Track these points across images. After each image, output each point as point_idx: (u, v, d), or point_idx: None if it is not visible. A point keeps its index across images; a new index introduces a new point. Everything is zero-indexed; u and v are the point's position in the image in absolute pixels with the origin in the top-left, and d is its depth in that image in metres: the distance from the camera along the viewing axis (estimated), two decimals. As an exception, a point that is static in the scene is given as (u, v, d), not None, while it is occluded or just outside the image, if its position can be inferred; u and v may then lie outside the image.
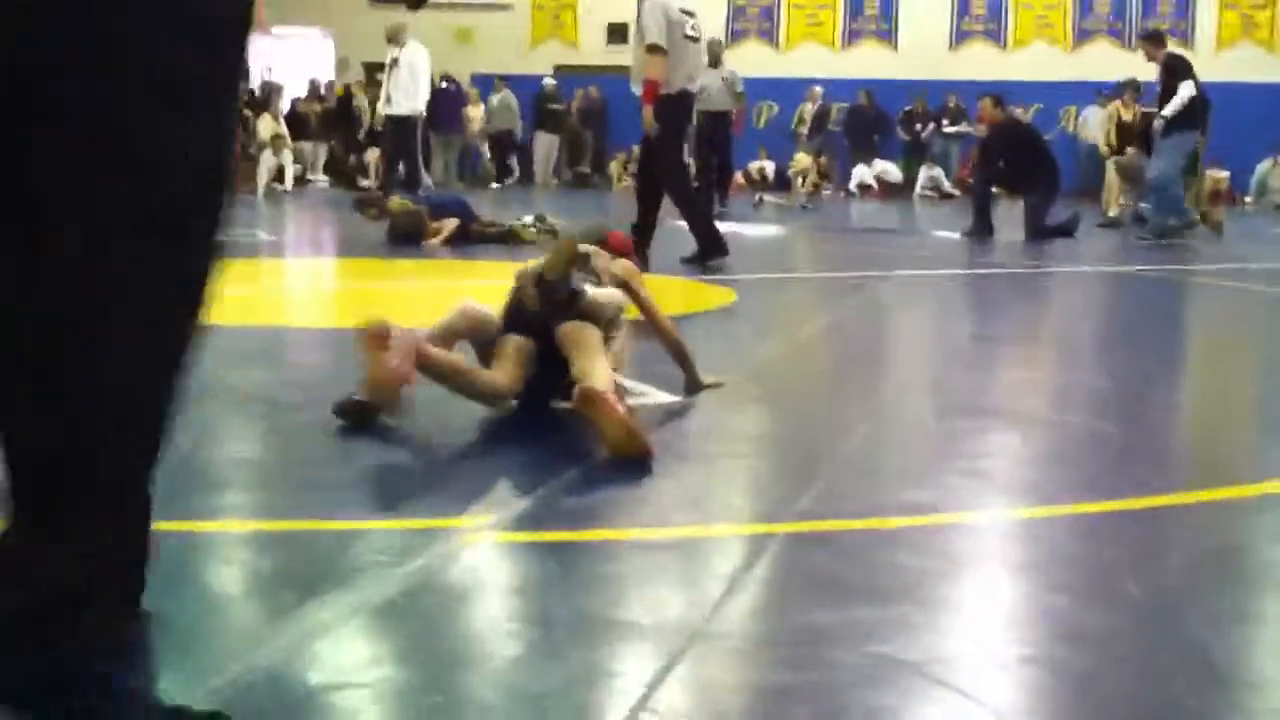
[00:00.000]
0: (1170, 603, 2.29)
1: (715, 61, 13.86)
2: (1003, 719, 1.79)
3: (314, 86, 21.20)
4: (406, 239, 9.59)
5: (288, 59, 22.63)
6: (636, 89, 8.21)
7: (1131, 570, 2.42)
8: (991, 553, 2.62)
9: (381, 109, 13.99)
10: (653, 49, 8.00)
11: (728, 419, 3.77)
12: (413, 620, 2.11)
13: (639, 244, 7.90)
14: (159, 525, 2.54)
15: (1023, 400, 4.26)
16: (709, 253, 8.16)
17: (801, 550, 2.52)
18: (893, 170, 21.00)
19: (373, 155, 18.35)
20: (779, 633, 2.06)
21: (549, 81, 21.76)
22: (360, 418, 3.38)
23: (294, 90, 20.98)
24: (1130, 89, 14.26)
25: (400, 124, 13.82)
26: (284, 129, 18.43)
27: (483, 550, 2.48)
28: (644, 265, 7.92)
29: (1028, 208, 11.74)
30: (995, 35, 22.32)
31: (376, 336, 3.32)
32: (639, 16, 8.15)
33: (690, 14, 8.35)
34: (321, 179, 19.86)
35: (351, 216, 10.76)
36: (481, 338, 3.70)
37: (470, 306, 3.72)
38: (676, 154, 8.57)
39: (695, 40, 8.41)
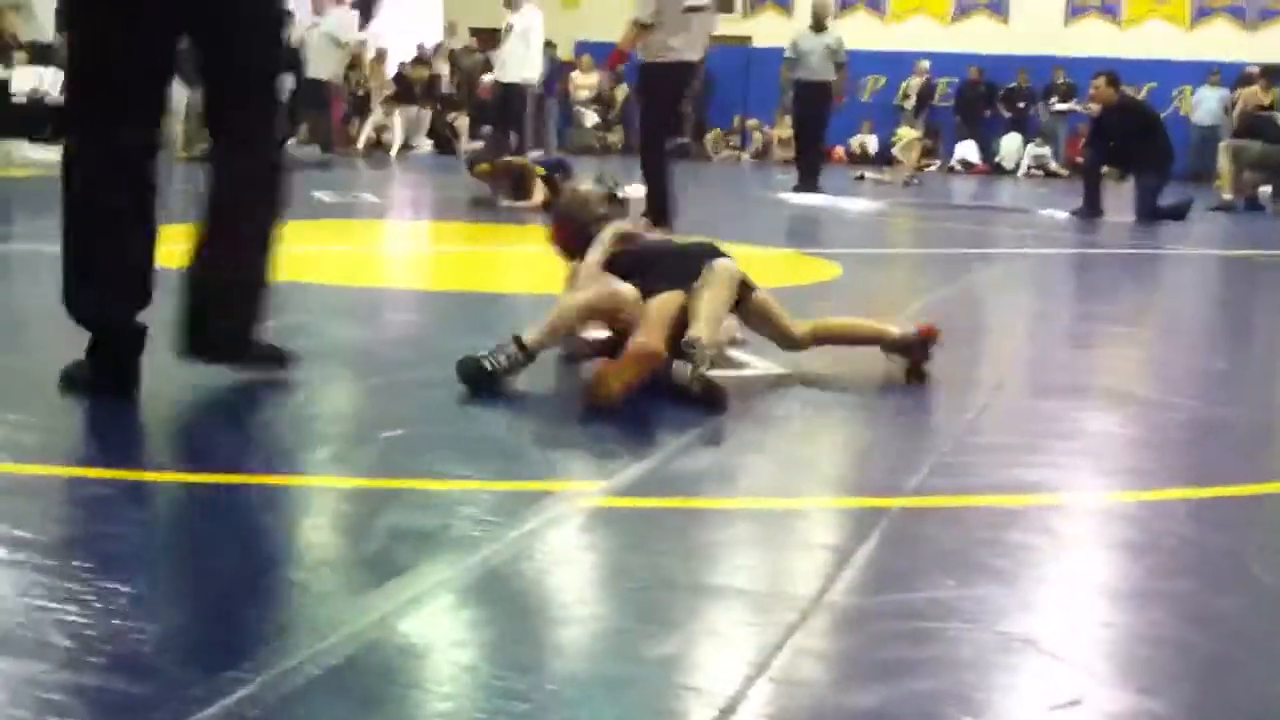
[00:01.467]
0: (1302, 591, 2.23)
1: (819, 26, 13.17)
2: (1128, 699, 1.74)
3: (421, 51, 21.29)
4: (512, 190, 9.62)
5: (395, 21, 22.73)
6: (641, 56, 8.50)
7: (1258, 556, 2.35)
8: (1112, 534, 2.56)
9: (494, 75, 14.01)
10: (635, 22, 8.29)
11: (834, 393, 3.72)
12: (525, 583, 2.11)
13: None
14: (272, 479, 2.58)
15: (1138, 382, 4.17)
16: (657, 219, 8.26)
17: (917, 525, 2.48)
18: (1017, 149, 20.64)
19: (461, 122, 18.39)
20: (897, 606, 2.02)
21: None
22: (482, 386, 3.37)
23: (400, 54, 21.10)
24: (1270, 73, 14.01)
25: (511, 91, 13.81)
26: (388, 89, 18.62)
27: (595, 514, 2.47)
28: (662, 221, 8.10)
29: (1139, 189, 11.48)
30: (1111, 11, 21.85)
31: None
32: None
33: None
34: (425, 144, 19.99)
35: (448, 180, 10.81)
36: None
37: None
38: (661, 120, 8.68)
39: (699, 9, 8.48)
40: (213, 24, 3.18)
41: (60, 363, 3.18)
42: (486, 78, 14.28)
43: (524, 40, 13.57)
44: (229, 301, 3.26)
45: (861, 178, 16.72)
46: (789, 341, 3.88)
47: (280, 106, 3.44)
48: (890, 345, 3.88)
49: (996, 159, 20.83)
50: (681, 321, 3.50)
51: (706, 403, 3.26)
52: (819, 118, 13.18)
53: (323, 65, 15.19)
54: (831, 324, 4.02)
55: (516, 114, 13.97)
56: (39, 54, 14.17)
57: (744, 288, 3.73)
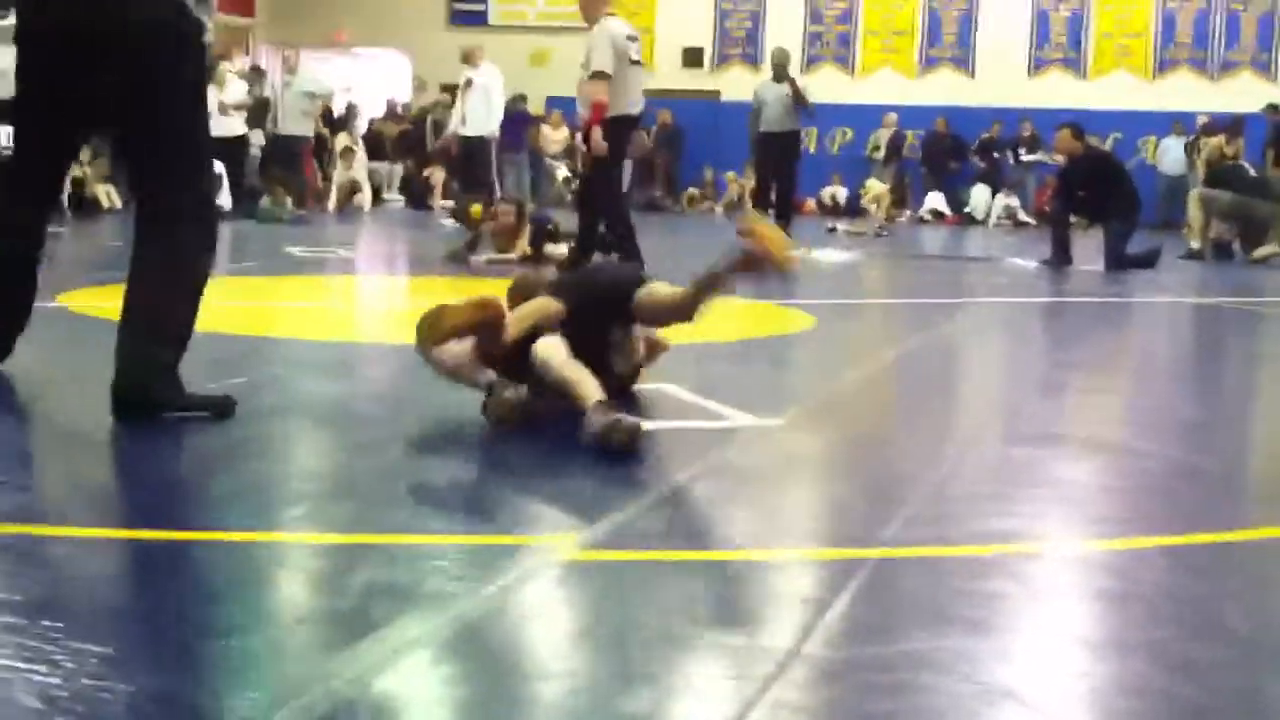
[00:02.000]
0: (1278, 637, 2.23)
1: (779, 76, 12.70)
2: (1110, 753, 1.74)
3: (391, 107, 21.40)
4: (502, 236, 9.62)
5: (366, 79, 22.86)
6: (583, 113, 8.69)
7: (1235, 604, 2.35)
8: (1088, 583, 2.55)
9: (454, 130, 14.10)
10: (597, 75, 8.48)
11: (810, 444, 3.72)
12: (500, 638, 2.09)
13: (580, 255, 8.56)
14: (246, 535, 2.56)
15: (1111, 430, 4.18)
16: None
17: (893, 576, 2.47)
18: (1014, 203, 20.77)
19: (438, 176, 18.44)
20: (875, 658, 2.01)
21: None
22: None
23: (371, 110, 21.20)
24: (1235, 125, 14.21)
25: (473, 145, 13.91)
26: (359, 145, 18.64)
27: (570, 568, 2.46)
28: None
29: (1108, 238, 11.56)
30: (1074, 63, 22.12)
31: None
32: (590, 43, 8.56)
33: (634, 38, 8.71)
34: (397, 199, 20.01)
35: (421, 235, 10.80)
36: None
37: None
38: (613, 175, 8.87)
39: (637, 64, 8.71)
40: (119, 114, 3.49)
41: (29, 422, 3.16)
42: (449, 132, 14.42)
43: (485, 95, 13.74)
44: (142, 356, 3.42)
45: (833, 229, 16.78)
46: (684, 315, 3.85)
47: (203, 167, 3.69)
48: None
49: (966, 209, 20.99)
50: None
51: (627, 442, 3.25)
52: (784, 169, 12.69)
53: (295, 122, 15.28)
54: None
55: (483, 167, 14.06)
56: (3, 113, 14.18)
57: (620, 302, 3.78)
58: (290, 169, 15.43)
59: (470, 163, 14.22)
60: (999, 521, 2.89)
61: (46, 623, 1.98)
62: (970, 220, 20.61)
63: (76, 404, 3.84)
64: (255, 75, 16.71)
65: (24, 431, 3.42)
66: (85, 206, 13.94)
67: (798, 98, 12.37)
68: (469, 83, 13.83)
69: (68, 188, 13.99)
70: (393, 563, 2.43)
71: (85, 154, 14.37)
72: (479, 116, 13.82)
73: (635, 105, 8.66)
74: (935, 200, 21.12)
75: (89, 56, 3.38)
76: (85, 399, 3.85)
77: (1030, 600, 2.38)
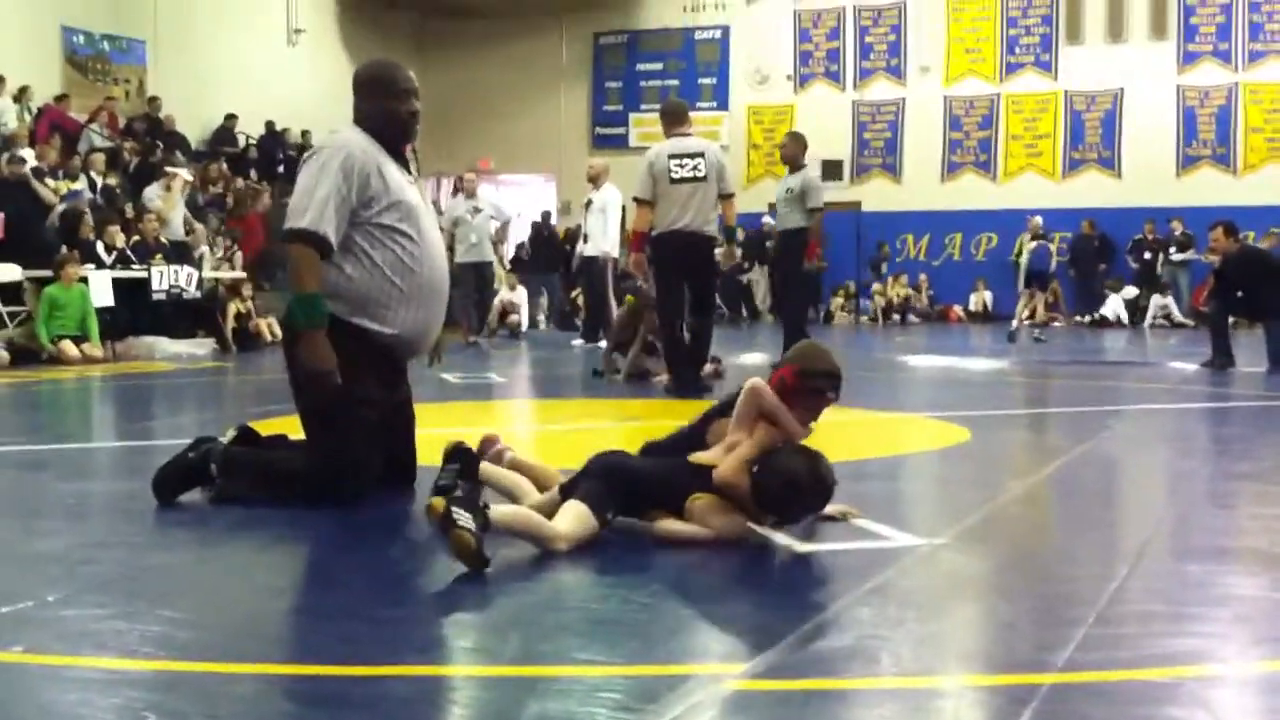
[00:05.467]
0: None
1: (793, 167, 11.41)
2: None
3: (538, 230, 21.87)
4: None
5: (514, 203, 23.42)
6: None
7: None
8: (1274, 706, 2.47)
9: (580, 250, 14.43)
10: (635, 200, 9.16)
11: (975, 564, 3.67)
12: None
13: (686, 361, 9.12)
14: (416, 669, 2.61)
15: (1287, 541, 4.04)
16: (677, 385, 9.01)
17: (1069, 701, 2.42)
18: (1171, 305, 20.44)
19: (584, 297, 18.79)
20: (1056, 791, 1.97)
21: (767, 220, 22.00)
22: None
23: (518, 234, 21.69)
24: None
25: (592, 265, 14.15)
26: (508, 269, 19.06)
27: (739, 698, 2.45)
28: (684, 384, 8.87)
29: (1270, 337, 11.27)
30: (1224, 159, 21.72)
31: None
32: None
33: (689, 155, 9.02)
34: (544, 321, 20.36)
35: (569, 357, 10.90)
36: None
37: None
38: (661, 290, 9.30)
39: (693, 180, 9.00)
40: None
41: (207, 559, 3.26)
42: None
43: (602, 215, 13.99)
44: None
45: (1013, 335, 16.46)
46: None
47: (320, 432, 4.53)
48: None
49: (1116, 313, 20.65)
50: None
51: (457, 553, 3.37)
52: (790, 271, 11.48)
53: (488, 247, 15.14)
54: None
55: (599, 288, 14.23)
56: (175, 253, 14.81)
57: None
58: (483, 295, 15.29)
59: (588, 282, 14.47)
60: (1176, 642, 2.81)
61: (235, 762, 2.05)
62: (1119, 321, 20.25)
63: (250, 539, 3.96)
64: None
65: (201, 567, 3.53)
66: (248, 339, 14.43)
67: None
68: (588, 203, 14.16)
69: (231, 322, 14.57)
70: (562, 695, 2.45)
71: (248, 289, 14.94)
72: (595, 236, 14.10)
73: (679, 221, 8.99)
74: (1089, 303, 20.82)
75: None
76: (259, 535, 3.98)
77: (1215, 727, 2.30)
